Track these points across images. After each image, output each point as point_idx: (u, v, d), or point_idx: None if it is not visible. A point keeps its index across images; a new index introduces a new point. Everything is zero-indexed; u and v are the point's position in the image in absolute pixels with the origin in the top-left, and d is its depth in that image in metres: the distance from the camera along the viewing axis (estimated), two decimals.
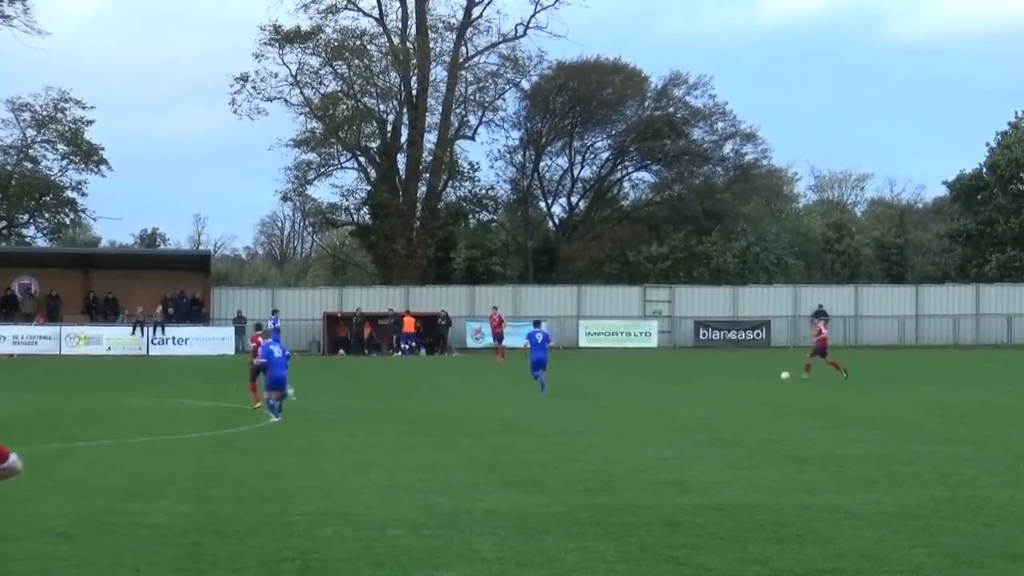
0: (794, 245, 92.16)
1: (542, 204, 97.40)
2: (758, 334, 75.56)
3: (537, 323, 45.46)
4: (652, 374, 47.02)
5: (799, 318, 76.45)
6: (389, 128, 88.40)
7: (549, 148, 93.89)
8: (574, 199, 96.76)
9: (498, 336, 65.17)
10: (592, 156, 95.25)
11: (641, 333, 71.13)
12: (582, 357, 65.34)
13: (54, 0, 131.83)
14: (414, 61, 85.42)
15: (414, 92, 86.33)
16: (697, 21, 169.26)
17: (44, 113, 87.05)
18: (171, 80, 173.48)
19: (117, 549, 15.00)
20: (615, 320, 75.17)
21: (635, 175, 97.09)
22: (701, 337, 75.04)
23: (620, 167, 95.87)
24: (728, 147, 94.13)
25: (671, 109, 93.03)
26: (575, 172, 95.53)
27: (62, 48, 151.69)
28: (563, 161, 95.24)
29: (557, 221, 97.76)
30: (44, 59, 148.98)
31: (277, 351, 31.13)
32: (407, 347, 68.76)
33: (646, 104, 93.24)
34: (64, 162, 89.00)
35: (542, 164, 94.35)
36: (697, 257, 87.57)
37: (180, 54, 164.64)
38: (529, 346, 41.26)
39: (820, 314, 53.23)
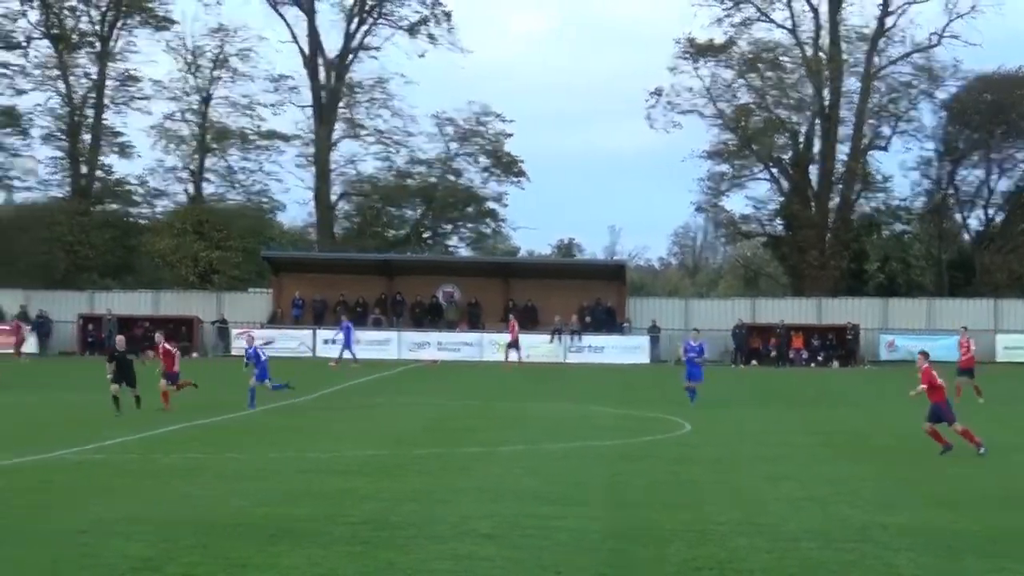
0: None
1: (957, 216, 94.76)
2: None
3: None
4: None
5: None
6: (801, 139, 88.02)
7: (966, 159, 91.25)
8: (991, 211, 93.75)
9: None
10: (1011, 167, 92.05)
11: None
12: (1000, 372, 63.38)
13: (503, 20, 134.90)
14: (827, 72, 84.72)
15: (827, 103, 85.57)
16: None
17: (467, 127, 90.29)
18: (591, 96, 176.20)
19: (538, 552, 15.52)
20: None
21: None
22: None
23: None
24: None
25: None
26: (992, 183, 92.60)
27: (484, 67, 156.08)
28: (980, 172, 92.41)
29: (973, 233, 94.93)
30: (469, 77, 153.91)
31: None
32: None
33: None
34: (485, 174, 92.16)
35: (957, 175, 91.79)
36: None
37: (601, 70, 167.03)
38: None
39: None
